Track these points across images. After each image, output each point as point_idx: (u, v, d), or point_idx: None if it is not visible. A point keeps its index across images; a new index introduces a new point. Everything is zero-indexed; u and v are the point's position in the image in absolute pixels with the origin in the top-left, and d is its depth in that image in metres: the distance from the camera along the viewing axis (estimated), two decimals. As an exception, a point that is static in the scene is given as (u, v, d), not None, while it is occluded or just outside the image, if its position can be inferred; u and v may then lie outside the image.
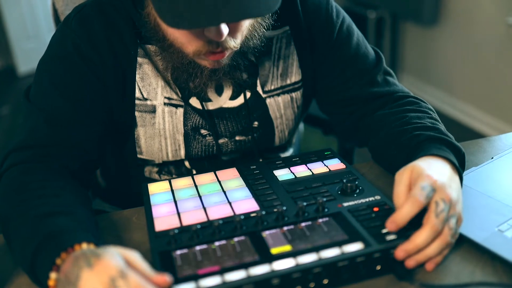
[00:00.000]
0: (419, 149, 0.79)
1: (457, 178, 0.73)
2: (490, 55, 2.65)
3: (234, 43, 0.80)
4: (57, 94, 0.85)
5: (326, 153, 0.91)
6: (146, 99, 0.90)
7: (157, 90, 0.90)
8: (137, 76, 0.89)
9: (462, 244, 0.71)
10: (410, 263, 0.65)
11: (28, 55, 4.09)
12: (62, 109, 0.84)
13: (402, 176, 0.70)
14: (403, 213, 0.65)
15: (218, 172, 0.87)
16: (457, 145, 0.80)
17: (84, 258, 0.60)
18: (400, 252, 0.64)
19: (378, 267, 0.65)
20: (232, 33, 0.78)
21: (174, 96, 0.91)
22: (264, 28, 0.85)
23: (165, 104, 0.91)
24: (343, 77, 0.98)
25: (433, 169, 0.70)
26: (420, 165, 0.71)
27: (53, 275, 0.62)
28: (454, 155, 0.78)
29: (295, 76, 0.98)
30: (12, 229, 0.72)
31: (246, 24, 0.81)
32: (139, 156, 0.94)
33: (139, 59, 0.88)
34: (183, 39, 0.79)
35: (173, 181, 0.84)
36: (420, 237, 0.64)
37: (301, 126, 1.31)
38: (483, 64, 2.71)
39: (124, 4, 0.86)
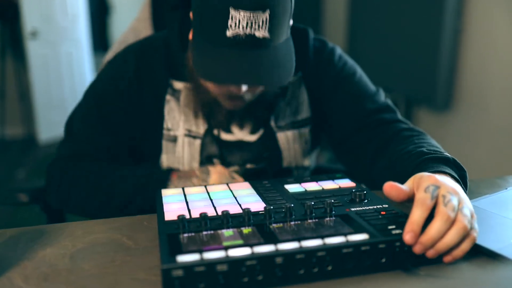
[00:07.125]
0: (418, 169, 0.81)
1: (458, 185, 0.72)
2: (505, 140, 2.67)
3: (250, 96, 0.94)
4: (95, 127, 1.02)
5: (337, 175, 0.91)
6: (170, 130, 1.02)
7: (179, 123, 1.02)
8: (165, 111, 1.02)
9: (478, 255, 0.68)
10: (430, 253, 0.63)
11: (50, 125, 4.22)
12: (97, 137, 1.02)
13: (406, 183, 0.71)
14: (415, 219, 0.63)
15: (230, 184, 0.88)
16: (456, 161, 0.81)
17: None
18: (406, 235, 0.61)
19: (383, 260, 0.63)
20: (251, 89, 0.92)
21: (194, 129, 1.02)
22: None
23: (185, 135, 1.02)
24: (348, 112, 1.05)
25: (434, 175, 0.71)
26: (420, 173, 0.72)
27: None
28: (452, 169, 0.79)
29: (305, 113, 1.08)
30: (107, 189, 0.95)
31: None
32: None
33: (167, 97, 1.03)
34: (209, 83, 0.94)
35: (186, 188, 0.86)
36: (433, 228, 0.62)
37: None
38: (498, 150, 2.72)
39: (165, 48, 1.02)
